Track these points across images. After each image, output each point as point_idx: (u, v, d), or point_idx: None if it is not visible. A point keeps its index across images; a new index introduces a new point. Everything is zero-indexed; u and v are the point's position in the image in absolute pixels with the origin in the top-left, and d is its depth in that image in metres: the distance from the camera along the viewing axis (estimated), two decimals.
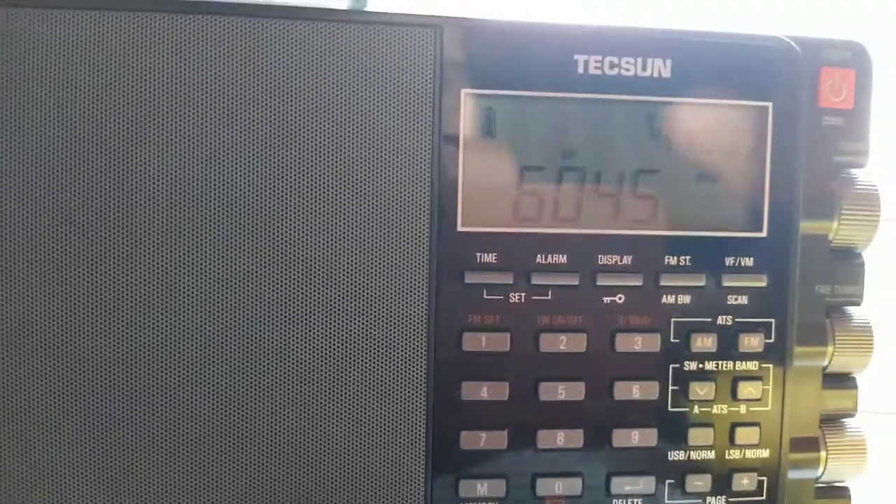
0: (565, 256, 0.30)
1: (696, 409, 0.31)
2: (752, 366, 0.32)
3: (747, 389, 0.32)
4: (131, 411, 0.28)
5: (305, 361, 0.29)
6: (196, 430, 0.29)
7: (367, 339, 0.29)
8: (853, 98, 0.32)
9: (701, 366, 0.31)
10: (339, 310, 0.29)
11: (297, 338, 0.29)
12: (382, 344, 0.29)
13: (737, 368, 0.32)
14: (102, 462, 0.28)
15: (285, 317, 0.29)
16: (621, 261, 0.31)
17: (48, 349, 0.28)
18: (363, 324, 0.29)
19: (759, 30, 0.31)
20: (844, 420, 0.33)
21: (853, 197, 0.32)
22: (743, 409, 0.32)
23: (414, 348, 0.30)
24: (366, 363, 0.29)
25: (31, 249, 0.28)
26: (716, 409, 0.31)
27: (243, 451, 0.29)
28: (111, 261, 0.28)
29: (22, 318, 0.28)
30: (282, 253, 0.29)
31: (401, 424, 0.30)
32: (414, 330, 0.30)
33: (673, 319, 0.31)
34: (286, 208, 0.29)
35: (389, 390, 0.30)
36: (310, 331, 0.29)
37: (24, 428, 0.28)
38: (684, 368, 0.31)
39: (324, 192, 0.29)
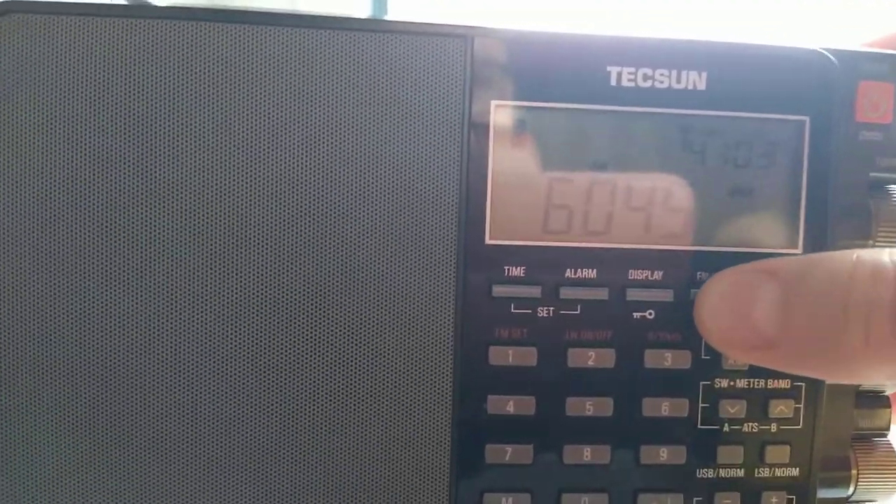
0: (595, 271, 0.30)
1: (726, 427, 0.31)
2: (784, 384, 0.31)
3: (779, 408, 0.31)
4: (158, 425, 0.28)
5: (329, 374, 0.29)
6: (218, 435, 0.29)
7: (392, 352, 0.29)
8: (892, 112, 0.31)
9: (732, 383, 0.31)
10: (366, 321, 0.29)
11: (322, 350, 0.29)
12: (408, 355, 0.29)
13: (769, 386, 0.31)
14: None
15: (308, 328, 0.29)
16: (652, 276, 0.30)
17: (64, 363, 0.28)
18: (389, 336, 0.29)
19: (796, 42, 0.31)
20: (876, 439, 0.33)
21: (890, 213, 0.31)
22: (774, 427, 0.31)
23: (440, 361, 0.29)
24: (391, 375, 0.29)
25: (43, 252, 0.28)
26: (746, 428, 0.31)
27: (267, 465, 0.29)
28: (138, 267, 0.28)
29: (34, 322, 0.28)
30: (306, 264, 0.28)
31: (426, 437, 0.29)
32: (440, 343, 0.29)
33: None
34: (310, 218, 0.28)
35: (415, 403, 0.29)
36: (335, 343, 0.29)
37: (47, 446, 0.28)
38: (715, 386, 0.31)
39: (350, 205, 0.29)
